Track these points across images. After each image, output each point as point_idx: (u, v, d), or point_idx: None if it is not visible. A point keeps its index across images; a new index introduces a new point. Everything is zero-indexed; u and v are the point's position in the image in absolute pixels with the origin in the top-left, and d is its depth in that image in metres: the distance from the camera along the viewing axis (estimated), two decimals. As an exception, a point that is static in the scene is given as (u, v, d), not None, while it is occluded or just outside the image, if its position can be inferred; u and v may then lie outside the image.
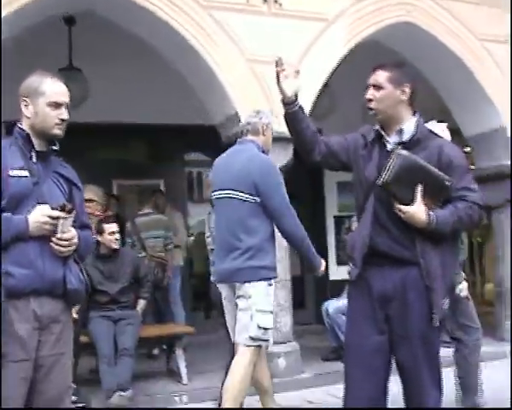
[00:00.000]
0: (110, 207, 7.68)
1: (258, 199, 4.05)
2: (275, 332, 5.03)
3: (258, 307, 3.99)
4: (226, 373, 4.30)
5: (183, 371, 6.01)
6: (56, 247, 2.69)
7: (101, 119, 7.63)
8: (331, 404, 5.17)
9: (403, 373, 3.09)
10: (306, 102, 5.32)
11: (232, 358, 4.16)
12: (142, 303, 6.07)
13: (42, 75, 2.84)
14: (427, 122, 3.27)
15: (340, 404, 3.24)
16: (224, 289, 4.27)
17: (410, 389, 3.08)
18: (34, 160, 2.77)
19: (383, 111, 3.07)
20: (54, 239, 2.68)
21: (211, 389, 5.56)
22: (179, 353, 6.06)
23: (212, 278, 4.75)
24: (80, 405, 5.12)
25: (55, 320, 2.75)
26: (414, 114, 3.13)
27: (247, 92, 6.25)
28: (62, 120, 2.80)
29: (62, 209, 2.67)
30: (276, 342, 5.35)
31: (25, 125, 2.81)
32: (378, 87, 3.06)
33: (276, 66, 3.13)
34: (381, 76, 3.07)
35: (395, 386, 3.19)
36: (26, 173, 2.71)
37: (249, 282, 4.00)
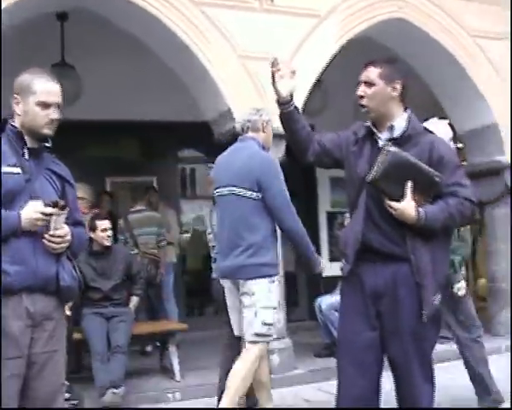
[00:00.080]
0: (103, 203, 7.69)
1: (259, 196, 4.08)
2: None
3: (262, 304, 4.02)
4: (223, 370, 4.32)
5: (176, 367, 6.00)
6: (49, 244, 2.68)
7: (94, 116, 7.60)
8: (324, 400, 5.19)
9: (394, 369, 3.10)
10: (299, 99, 5.32)
11: (232, 352, 4.18)
12: (134, 300, 6.07)
13: (34, 73, 2.80)
14: (426, 120, 3.26)
15: (332, 400, 3.25)
16: (226, 284, 4.29)
17: (402, 385, 3.09)
18: (26, 157, 2.75)
19: (375, 108, 3.07)
20: (46, 236, 2.67)
21: (204, 386, 5.58)
22: (172, 350, 6.06)
23: (214, 275, 4.78)
24: (74, 402, 5.12)
25: (48, 317, 2.74)
26: (405, 110, 3.14)
27: (240, 88, 6.25)
28: (52, 120, 2.77)
29: (55, 206, 2.66)
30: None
31: (16, 122, 2.79)
32: (369, 84, 3.07)
33: (272, 66, 3.14)
34: (372, 72, 3.07)
35: (387, 384, 3.20)
36: (18, 170, 2.69)
37: (252, 279, 4.03)
